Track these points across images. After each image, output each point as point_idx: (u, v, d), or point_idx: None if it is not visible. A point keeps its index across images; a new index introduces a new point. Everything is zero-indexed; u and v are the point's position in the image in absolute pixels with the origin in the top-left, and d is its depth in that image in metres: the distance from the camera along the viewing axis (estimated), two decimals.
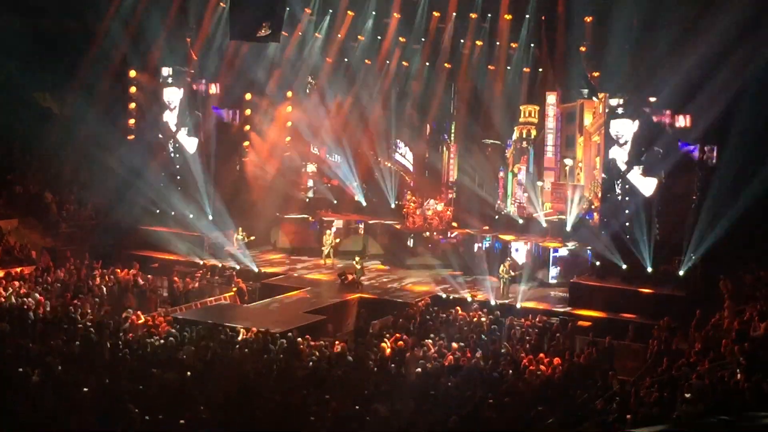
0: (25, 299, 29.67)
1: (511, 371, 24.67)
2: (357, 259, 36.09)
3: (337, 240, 40.37)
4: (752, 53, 30.53)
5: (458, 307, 31.48)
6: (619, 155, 34.93)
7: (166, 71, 42.04)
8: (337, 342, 27.77)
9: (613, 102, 35.03)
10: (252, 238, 39.40)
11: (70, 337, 25.62)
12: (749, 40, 30.47)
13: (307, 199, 43.89)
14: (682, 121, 33.71)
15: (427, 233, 40.09)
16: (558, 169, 40.40)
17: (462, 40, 40.83)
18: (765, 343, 22.73)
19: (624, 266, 34.03)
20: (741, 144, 31.69)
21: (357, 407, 20.98)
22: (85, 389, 21.19)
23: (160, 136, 42.62)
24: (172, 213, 40.95)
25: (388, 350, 26.76)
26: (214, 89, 41.94)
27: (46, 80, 42.06)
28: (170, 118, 42.39)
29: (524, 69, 40.20)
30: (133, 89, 42.21)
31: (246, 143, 42.16)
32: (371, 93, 42.83)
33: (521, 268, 36.72)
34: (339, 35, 41.98)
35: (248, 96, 41.65)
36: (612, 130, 34.96)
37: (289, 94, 42.79)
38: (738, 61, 30.64)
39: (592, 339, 28.41)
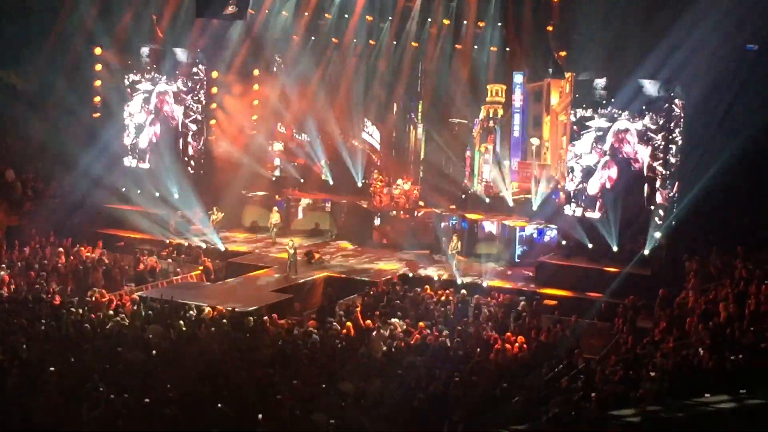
0: None
1: (477, 350, 24.77)
2: (290, 243, 35.16)
3: (276, 221, 39.84)
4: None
5: (426, 286, 31.57)
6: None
7: (131, 49, 41.73)
8: (303, 321, 27.81)
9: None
10: (222, 215, 39.18)
11: (34, 316, 25.49)
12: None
13: (274, 178, 43.72)
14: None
15: (394, 212, 40.05)
16: (525, 148, 40.49)
17: (429, 19, 40.80)
18: (729, 323, 22.94)
19: (590, 245, 34.22)
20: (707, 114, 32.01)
21: (323, 386, 21.03)
22: (51, 368, 21.13)
23: (126, 114, 42.33)
24: (138, 191, 40.77)
25: (354, 329, 26.82)
26: (180, 66, 41.59)
27: (11, 58, 41.71)
28: (136, 96, 42.12)
29: (491, 48, 40.22)
30: (98, 67, 41.90)
31: (212, 122, 41.90)
32: (338, 71, 42.74)
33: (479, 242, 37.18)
34: (306, 13, 41.82)
35: (215, 74, 41.36)
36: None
37: (256, 72, 42.56)
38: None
39: (558, 318, 28.57)
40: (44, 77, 41.36)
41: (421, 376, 22.55)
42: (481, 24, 39.94)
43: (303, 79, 42.79)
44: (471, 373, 22.84)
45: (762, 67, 31.67)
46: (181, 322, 25.61)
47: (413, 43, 41.63)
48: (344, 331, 26.64)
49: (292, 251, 34.34)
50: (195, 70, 41.24)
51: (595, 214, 34.61)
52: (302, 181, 43.45)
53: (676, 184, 33.46)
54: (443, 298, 30.32)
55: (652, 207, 33.73)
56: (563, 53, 37.17)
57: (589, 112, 34.64)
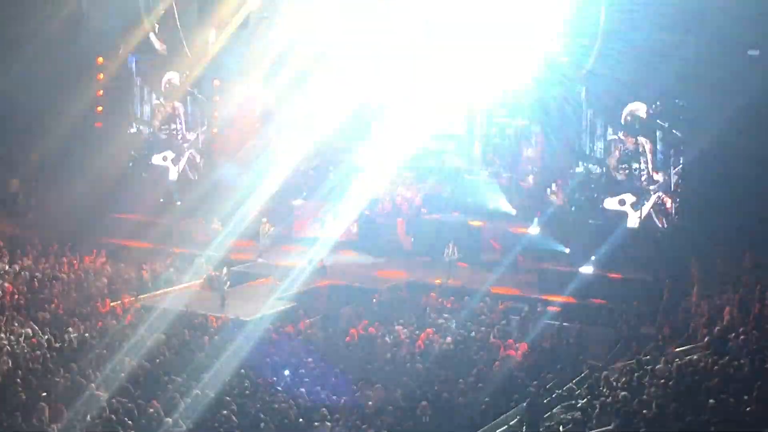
0: None
1: (481, 356, 24.77)
2: (225, 270, 33.31)
3: (266, 231, 39.05)
4: None
5: (431, 293, 31.54)
6: None
7: (133, 58, 41.77)
8: (307, 329, 27.82)
9: None
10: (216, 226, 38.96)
11: (38, 325, 25.55)
12: None
13: (276, 188, 43.36)
14: None
15: (398, 218, 39.81)
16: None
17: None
18: (732, 328, 22.93)
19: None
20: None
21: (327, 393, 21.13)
22: (57, 379, 21.24)
23: (128, 122, 42.30)
24: (142, 200, 40.73)
25: (358, 336, 26.85)
26: (182, 76, 41.56)
27: (12, 68, 41.75)
28: (139, 104, 42.10)
29: None
30: (100, 76, 41.88)
31: (214, 130, 41.84)
32: (341, 77, 42.49)
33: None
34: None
35: (216, 82, 41.31)
36: None
37: (259, 78, 42.28)
38: None
39: (561, 324, 28.54)
40: (47, 86, 41.35)
41: (425, 382, 22.60)
42: None
43: (306, 84, 42.53)
44: (475, 380, 22.87)
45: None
46: (185, 330, 25.66)
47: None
48: (348, 338, 26.66)
49: (225, 278, 32.35)
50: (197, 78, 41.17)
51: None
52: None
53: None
54: (447, 304, 30.30)
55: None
56: None
57: None
